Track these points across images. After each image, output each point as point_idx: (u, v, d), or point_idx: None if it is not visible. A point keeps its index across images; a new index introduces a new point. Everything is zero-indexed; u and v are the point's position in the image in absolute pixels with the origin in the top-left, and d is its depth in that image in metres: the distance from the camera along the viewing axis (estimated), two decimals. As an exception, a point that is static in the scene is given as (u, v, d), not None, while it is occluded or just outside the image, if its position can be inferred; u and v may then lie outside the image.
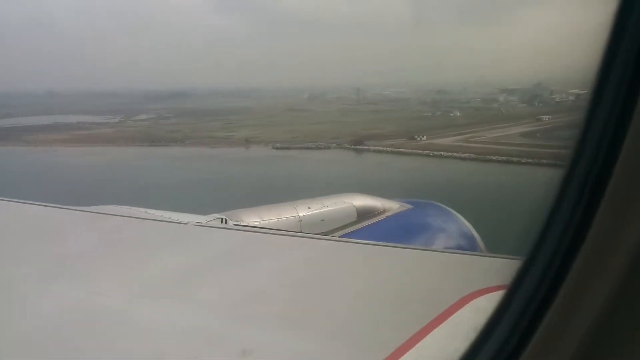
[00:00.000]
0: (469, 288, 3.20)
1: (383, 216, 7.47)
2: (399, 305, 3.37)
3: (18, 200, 7.13)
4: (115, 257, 4.62)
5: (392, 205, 7.69)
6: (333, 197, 7.65)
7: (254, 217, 6.68)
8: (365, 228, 7.21)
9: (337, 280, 3.96)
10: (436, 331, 2.83)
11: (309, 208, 7.11)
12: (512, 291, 1.67)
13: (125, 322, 3.36)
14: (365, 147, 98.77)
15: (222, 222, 6.08)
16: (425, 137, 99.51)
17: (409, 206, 7.83)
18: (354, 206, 7.38)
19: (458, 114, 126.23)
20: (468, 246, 7.12)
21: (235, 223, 6.28)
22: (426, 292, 3.54)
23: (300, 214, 6.98)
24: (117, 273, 4.16)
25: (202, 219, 5.86)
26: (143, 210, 6.17)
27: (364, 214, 7.39)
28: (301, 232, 6.57)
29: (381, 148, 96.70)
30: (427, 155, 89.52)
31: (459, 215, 7.75)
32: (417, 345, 2.72)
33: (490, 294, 2.92)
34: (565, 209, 1.52)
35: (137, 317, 3.42)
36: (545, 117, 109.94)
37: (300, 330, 3.17)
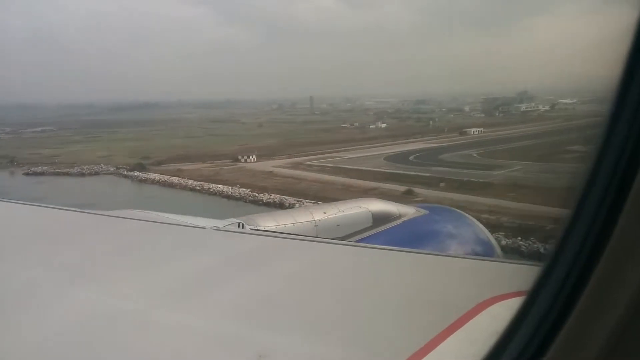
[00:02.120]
0: (485, 294, 3.21)
1: (399, 221, 7.47)
2: (415, 310, 3.37)
3: (38, 204, 7.18)
4: (135, 260, 4.59)
5: (408, 211, 7.71)
6: (349, 202, 7.70)
7: (270, 222, 6.69)
8: (381, 233, 7.20)
9: (353, 285, 3.94)
10: (452, 337, 2.82)
11: (325, 213, 7.14)
12: (532, 297, 1.67)
13: (143, 325, 3.30)
14: (141, 173, 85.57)
15: (239, 226, 6.06)
16: (253, 158, 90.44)
17: (425, 211, 7.85)
18: (370, 211, 7.39)
19: (383, 125, 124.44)
20: (485, 252, 7.26)
21: (252, 227, 6.26)
22: (442, 298, 3.54)
23: (316, 219, 7.01)
24: (136, 276, 4.11)
25: (220, 223, 5.89)
26: (162, 214, 6.26)
27: (379, 219, 7.38)
28: (317, 236, 6.57)
29: (151, 175, 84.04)
30: (187, 188, 76.27)
31: (475, 220, 7.90)
32: (433, 351, 2.70)
33: (507, 300, 2.96)
34: (586, 215, 1.52)
35: (154, 320, 3.37)
36: (475, 131, 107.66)
37: (316, 335, 3.12)
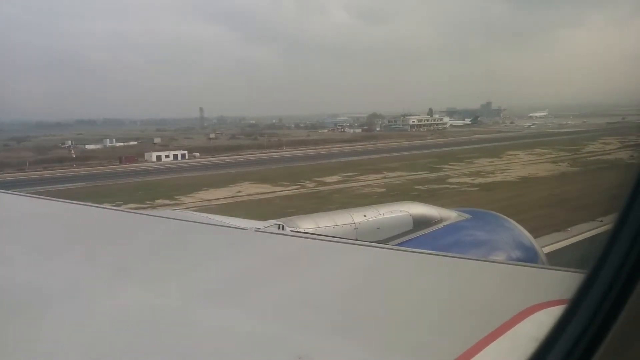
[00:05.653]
0: (529, 301, 3.13)
1: (440, 225, 7.34)
2: (456, 316, 3.30)
3: (79, 203, 7.31)
4: (175, 260, 4.60)
5: (449, 215, 7.58)
6: (389, 205, 7.59)
7: (310, 224, 6.66)
8: (421, 237, 7.10)
9: (393, 289, 3.87)
10: (494, 344, 2.75)
11: (365, 216, 7.05)
12: (574, 305, 1.62)
13: (182, 325, 3.29)
14: None
15: (279, 228, 6.09)
16: None
17: (467, 215, 7.70)
18: (410, 215, 7.28)
19: (113, 144, 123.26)
20: (529, 258, 7.07)
21: (292, 229, 6.28)
22: (484, 304, 3.46)
23: (356, 222, 6.94)
24: (176, 276, 4.12)
25: (260, 224, 5.93)
26: (204, 215, 6.40)
27: (420, 222, 7.27)
28: (357, 239, 6.50)
29: None
30: None
31: (519, 225, 7.71)
32: (474, 358, 2.63)
33: (552, 308, 2.87)
34: (631, 222, 1.48)
35: (194, 320, 3.36)
36: (162, 156, 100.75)
37: (355, 338, 3.06)
